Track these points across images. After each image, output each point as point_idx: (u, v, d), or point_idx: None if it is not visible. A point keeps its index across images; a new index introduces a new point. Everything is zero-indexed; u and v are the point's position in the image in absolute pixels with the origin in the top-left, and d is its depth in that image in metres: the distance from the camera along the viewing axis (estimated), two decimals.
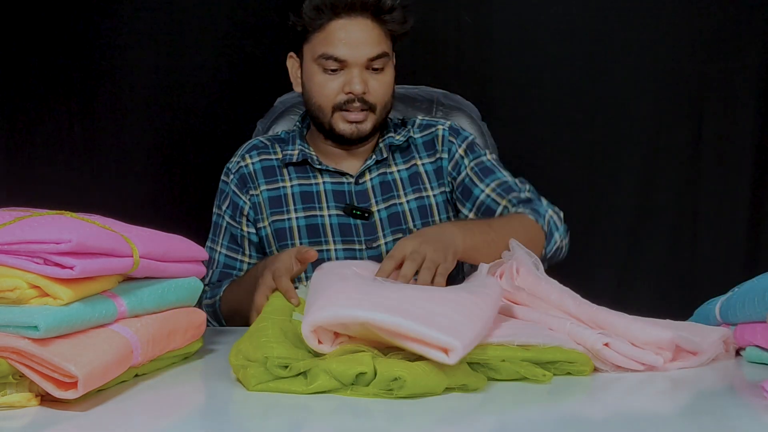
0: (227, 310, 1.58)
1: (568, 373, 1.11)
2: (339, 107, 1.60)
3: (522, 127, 2.24)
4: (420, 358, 1.05)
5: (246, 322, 1.35)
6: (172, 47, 2.30)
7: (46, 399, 0.95)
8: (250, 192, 1.67)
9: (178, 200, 2.30)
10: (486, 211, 1.63)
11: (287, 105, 1.93)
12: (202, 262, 1.25)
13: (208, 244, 1.70)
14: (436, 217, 1.67)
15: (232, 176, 1.69)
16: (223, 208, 1.69)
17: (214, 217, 1.72)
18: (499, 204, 1.62)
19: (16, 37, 2.26)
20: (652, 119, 2.32)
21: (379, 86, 1.61)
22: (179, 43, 2.30)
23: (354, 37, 1.57)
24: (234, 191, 1.68)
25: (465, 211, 1.66)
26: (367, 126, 1.62)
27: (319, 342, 1.06)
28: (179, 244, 1.20)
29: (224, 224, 1.68)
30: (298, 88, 1.68)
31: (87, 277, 0.99)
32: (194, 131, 2.32)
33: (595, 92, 2.32)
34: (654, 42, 2.30)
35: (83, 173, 2.29)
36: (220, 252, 1.68)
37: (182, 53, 2.30)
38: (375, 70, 1.60)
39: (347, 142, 1.66)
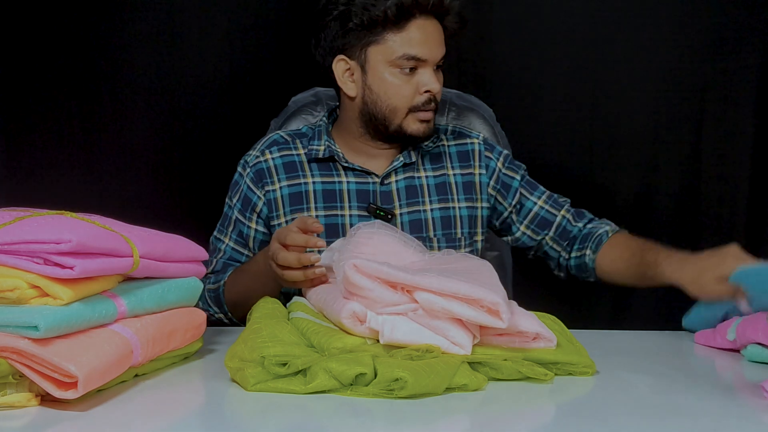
0: (230, 295, 1.58)
1: (570, 374, 1.12)
2: (416, 108, 1.60)
3: (520, 128, 2.24)
4: (420, 357, 1.05)
5: (248, 311, 1.35)
6: (173, 47, 2.29)
7: (46, 399, 0.95)
8: (266, 188, 1.64)
9: (178, 200, 2.30)
10: (541, 222, 1.69)
11: (300, 104, 1.93)
12: (203, 262, 1.26)
13: (215, 234, 1.68)
14: (458, 230, 1.67)
15: (248, 170, 1.66)
16: (234, 201, 1.67)
17: (225, 208, 1.70)
18: (556, 215, 1.69)
19: (17, 37, 2.25)
20: (652, 119, 2.32)
21: (441, 85, 1.63)
22: (180, 43, 2.29)
23: (431, 36, 1.58)
24: (248, 185, 1.65)
25: (517, 225, 1.70)
26: (433, 124, 1.64)
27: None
28: (179, 244, 1.20)
29: (233, 217, 1.66)
30: (351, 92, 1.63)
31: (87, 277, 1.00)
32: (194, 131, 2.32)
33: (594, 93, 2.32)
34: (654, 42, 2.30)
35: (83, 173, 2.28)
36: (227, 244, 1.66)
37: (183, 53, 2.29)
38: (438, 68, 1.62)
39: (415, 142, 1.65)
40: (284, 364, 1.02)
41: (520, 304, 1.22)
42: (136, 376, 1.07)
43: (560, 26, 2.31)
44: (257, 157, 1.67)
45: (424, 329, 1.10)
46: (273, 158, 1.66)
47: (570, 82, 2.31)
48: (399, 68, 1.57)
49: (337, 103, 1.71)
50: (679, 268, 1.42)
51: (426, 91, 1.58)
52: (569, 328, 1.24)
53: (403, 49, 1.56)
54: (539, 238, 1.69)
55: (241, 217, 1.65)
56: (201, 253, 1.24)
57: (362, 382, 1.00)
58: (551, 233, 1.68)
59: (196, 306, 1.23)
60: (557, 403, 1.04)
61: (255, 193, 1.65)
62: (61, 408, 0.94)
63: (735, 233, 2.32)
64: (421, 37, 1.57)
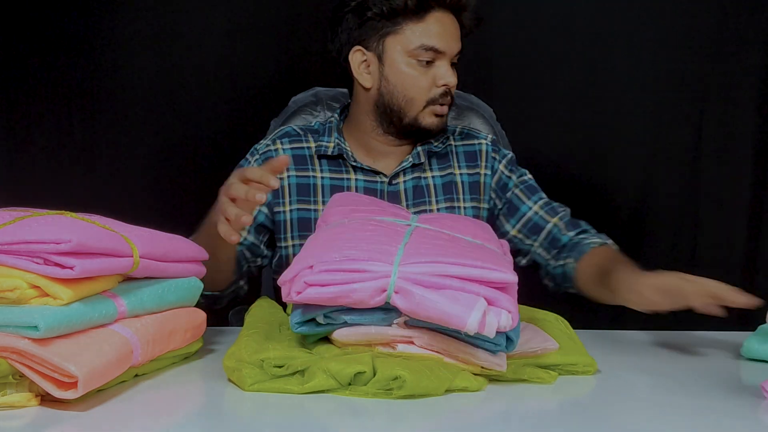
0: None
1: (571, 373, 1.11)
2: (433, 101, 1.60)
3: (520, 128, 2.24)
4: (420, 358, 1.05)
5: (210, 271, 1.31)
6: (173, 46, 2.29)
7: (46, 399, 0.95)
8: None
9: (178, 200, 2.30)
10: (533, 228, 1.65)
11: (300, 104, 1.92)
12: (202, 262, 1.26)
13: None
14: None
15: (257, 156, 1.66)
16: None
17: None
18: (548, 222, 1.64)
19: (16, 37, 2.25)
20: (652, 119, 2.32)
21: (456, 81, 1.63)
22: (180, 43, 2.29)
23: (449, 30, 1.59)
24: None
25: (508, 227, 1.66)
26: (446, 119, 1.65)
27: None
28: (179, 244, 1.20)
29: None
30: (367, 83, 1.63)
31: (87, 277, 1.00)
32: (194, 131, 2.32)
33: (595, 93, 2.32)
34: (654, 42, 2.30)
35: (83, 173, 2.28)
36: None
37: (183, 53, 2.29)
38: (453, 65, 1.62)
39: (427, 136, 1.65)
40: (283, 366, 1.02)
41: (521, 304, 1.22)
42: (136, 376, 1.07)
43: (560, 26, 2.31)
44: (268, 145, 1.67)
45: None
46: (284, 149, 1.66)
47: (570, 81, 2.31)
48: (416, 59, 1.58)
49: (348, 101, 1.71)
50: (625, 282, 1.37)
51: (443, 85, 1.59)
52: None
53: (421, 40, 1.57)
54: (529, 242, 1.65)
55: None
56: (201, 253, 1.24)
57: (361, 382, 1.00)
58: (540, 240, 1.64)
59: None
60: (558, 402, 1.04)
61: None
62: (61, 408, 0.94)
63: (735, 233, 2.32)
64: (440, 30, 1.57)
